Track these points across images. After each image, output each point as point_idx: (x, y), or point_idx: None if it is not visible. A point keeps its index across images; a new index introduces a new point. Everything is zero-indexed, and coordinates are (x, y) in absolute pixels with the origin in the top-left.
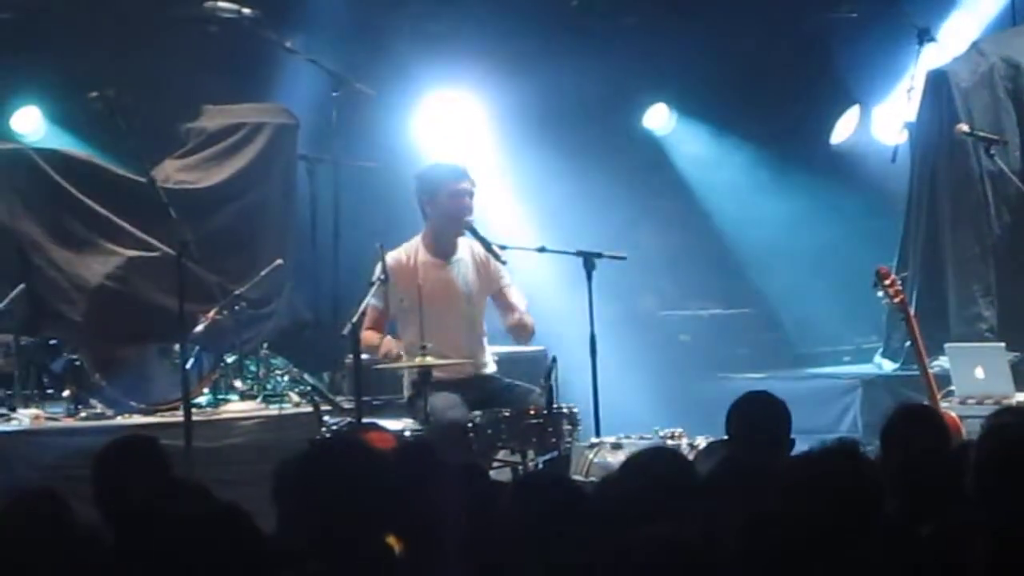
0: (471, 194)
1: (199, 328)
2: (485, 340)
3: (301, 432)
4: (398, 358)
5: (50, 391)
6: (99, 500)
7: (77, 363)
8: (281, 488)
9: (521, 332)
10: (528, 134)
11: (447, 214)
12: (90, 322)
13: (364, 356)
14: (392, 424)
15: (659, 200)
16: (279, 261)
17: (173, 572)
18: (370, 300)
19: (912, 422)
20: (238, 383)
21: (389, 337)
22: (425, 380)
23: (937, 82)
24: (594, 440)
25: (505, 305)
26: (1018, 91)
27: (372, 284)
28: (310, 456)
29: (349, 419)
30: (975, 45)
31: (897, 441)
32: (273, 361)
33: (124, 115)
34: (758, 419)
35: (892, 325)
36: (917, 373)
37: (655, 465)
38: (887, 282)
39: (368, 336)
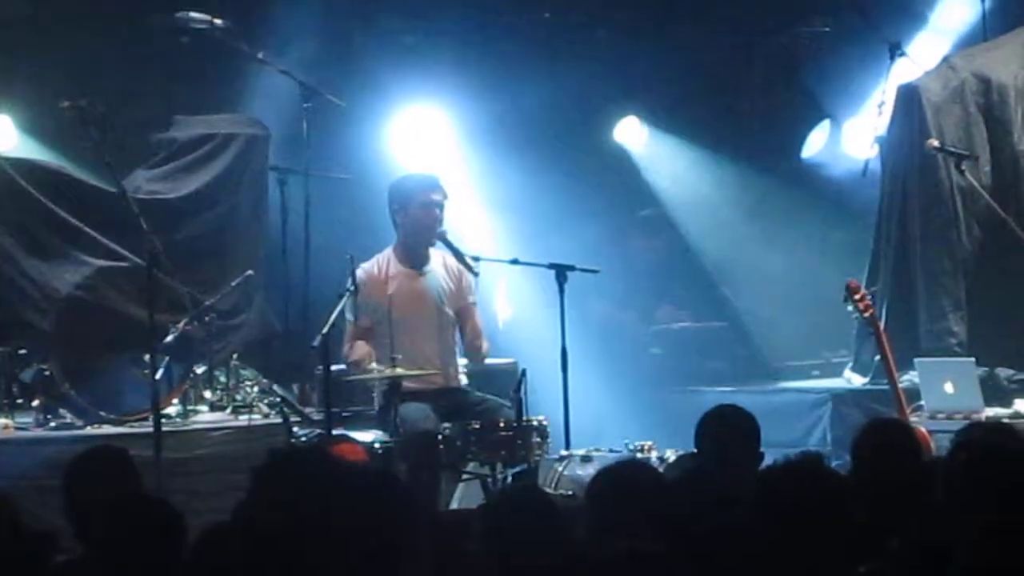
0: (442, 206)
1: (169, 338)
2: (457, 352)
3: (270, 443)
4: (367, 359)
5: (19, 401)
6: (69, 511)
7: (47, 373)
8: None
9: (476, 355)
10: (499, 147)
11: (418, 225)
12: (60, 332)
13: (333, 367)
14: (362, 436)
15: (630, 213)
16: (249, 272)
17: None
18: (346, 316)
19: (883, 436)
20: (208, 394)
21: (360, 343)
22: (395, 391)
23: (908, 97)
24: (564, 452)
25: (467, 323)
26: (989, 106)
27: (341, 296)
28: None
29: (318, 430)
30: (946, 60)
31: (868, 455)
32: (243, 372)
33: (96, 125)
34: (727, 432)
35: (862, 339)
36: (887, 387)
37: (624, 478)
38: (857, 296)
39: (347, 351)
